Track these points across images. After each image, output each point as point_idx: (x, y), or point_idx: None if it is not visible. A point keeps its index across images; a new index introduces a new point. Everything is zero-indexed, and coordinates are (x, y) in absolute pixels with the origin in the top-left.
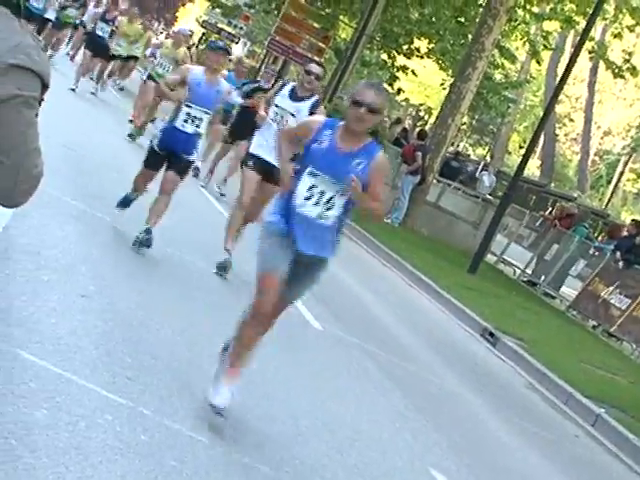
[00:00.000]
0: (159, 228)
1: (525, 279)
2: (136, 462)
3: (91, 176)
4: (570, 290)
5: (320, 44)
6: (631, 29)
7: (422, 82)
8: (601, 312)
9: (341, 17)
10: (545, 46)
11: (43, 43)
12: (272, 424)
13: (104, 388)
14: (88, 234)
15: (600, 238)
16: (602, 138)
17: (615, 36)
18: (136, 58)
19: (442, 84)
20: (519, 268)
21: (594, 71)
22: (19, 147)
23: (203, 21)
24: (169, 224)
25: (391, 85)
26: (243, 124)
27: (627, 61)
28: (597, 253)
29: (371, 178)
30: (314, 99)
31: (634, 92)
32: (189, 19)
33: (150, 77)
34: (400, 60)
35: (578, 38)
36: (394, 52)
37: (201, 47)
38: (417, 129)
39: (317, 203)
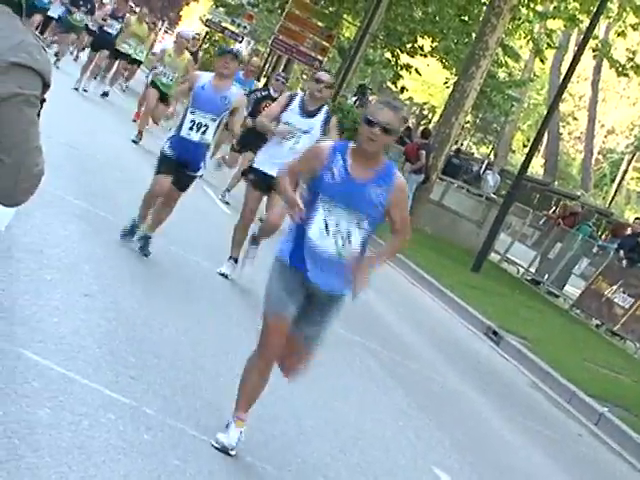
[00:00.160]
0: (165, 226)
1: (529, 278)
2: (139, 461)
3: (94, 175)
4: (573, 289)
5: (324, 43)
6: (635, 27)
7: (426, 81)
8: (604, 311)
9: (345, 16)
10: (549, 44)
11: (49, 41)
12: (275, 423)
13: (107, 387)
14: (91, 233)
15: (604, 237)
16: (606, 137)
17: (619, 34)
18: (140, 62)
19: (446, 83)
20: (522, 267)
21: (598, 70)
22: (20, 146)
23: (207, 20)
24: (173, 223)
25: (395, 84)
26: (252, 133)
27: (631, 59)
28: (600, 252)
29: (393, 205)
30: (325, 111)
31: (638, 91)
32: (193, 18)
33: (153, 84)
34: (404, 59)
35: (582, 36)
36: (398, 51)
37: (204, 46)
38: (421, 128)
39: (334, 238)
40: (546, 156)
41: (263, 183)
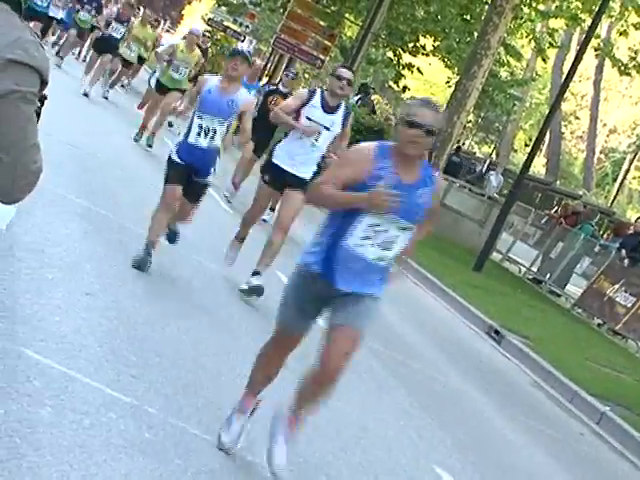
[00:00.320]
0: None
1: (530, 277)
2: (140, 460)
3: (95, 174)
4: (575, 288)
5: (326, 42)
6: (637, 27)
7: (428, 80)
8: (606, 310)
9: (347, 15)
10: (551, 44)
11: (57, 42)
12: None
13: (109, 386)
14: (92, 232)
15: (605, 236)
16: (608, 136)
17: (621, 34)
18: (142, 60)
19: (448, 82)
20: (524, 266)
21: (600, 69)
22: (18, 143)
23: (209, 19)
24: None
25: (397, 83)
26: (259, 130)
27: (633, 59)
28: (602, 251)
29: (433, 201)
30: (344, 108)
31: None
32: (195, 17)
33: (160, 84)
34: (406, 58)
35: (584, 36)
36: (400, 50)
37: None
38: None
39: (377, 244)
40: (548, 155)
41: (279, 180)
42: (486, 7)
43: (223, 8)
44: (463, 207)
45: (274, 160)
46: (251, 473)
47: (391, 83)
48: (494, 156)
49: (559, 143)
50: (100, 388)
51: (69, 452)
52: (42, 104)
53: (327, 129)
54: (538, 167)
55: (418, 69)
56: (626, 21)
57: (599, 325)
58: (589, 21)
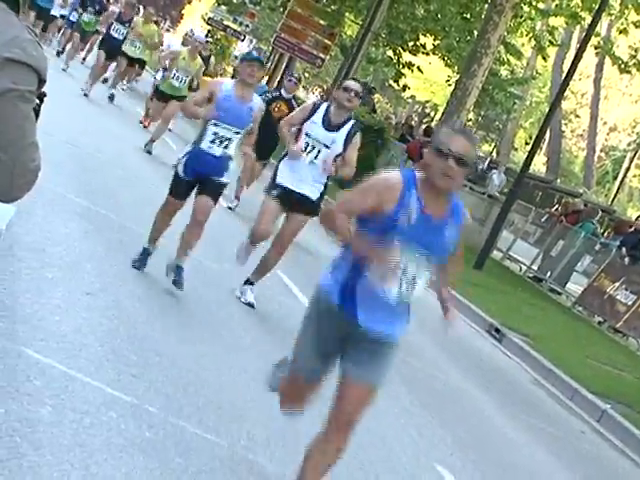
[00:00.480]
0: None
1: (531, 275)
2: (141, 459)
3: (95, 173)
4: (576, 286)
5: (326, 41)
6: (637, 25)
7: (428, 79)
8: (607, 308)
9: (347, 14)
10: (551, 42)
11: (59, 44)
12: (277, 421)
13: (109, 385)
14: (93, 231)
15: (606, 234)
16: (608, 134)
17: (621, 32)
18: (144, 62)
19: (448, 80)
20: (525, 264)
21: (600, 67)
22: (16, 142)
23: (209, 18)
24: (176, 220)
25: (397, 82)
26: (262, 137)
27: (633, 57)
28: (603, 249)
29: (459, 237)
30: (350, 125)
31: None
32: (195, 16)
33: (160, 91)
34: (406, 57)
35: (584, 34)
36: (400, 49)
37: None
38: (423, 126)
39: (399, 283)
40: (548, 154)
41: (287, 199)
42: (486, 6)
43: (223, 7)
44: (463, 205)
45: (278, 181)
46: (251, 472)
47: (391, 82)
48: (494, 154)
49: (559, 141)
50: (100, 387)
51: (69, 451)
52: (41, 102)
53: (326, 147)
54: (538, 165)
55: (418, 68)
56: (626, 19)
57: (600, 323)
58: (589, 19)
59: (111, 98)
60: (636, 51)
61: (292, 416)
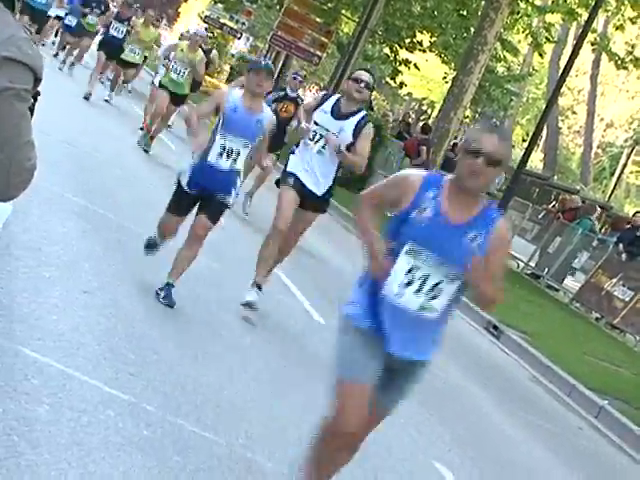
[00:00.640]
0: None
1: (528, 272)
2: (139, 458)
3: (93, 172)
4: (573, 283)
5: (322, 39)
6: (633, 21)
7: (424, 76)
8: (604, 304)
9: (343, 11)
10: (547, 39)
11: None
12: (276, 419)
13: (107, 384)
14: (90, 230)
15: (603, 230)
16: (605, 130)
17: (617, 28)
18: (144, 58)
19: (444, 77)
20: (522, 261)
21: (596, 63)
22: (12, 140)
23: (205, 16)
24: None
25: (394, 79)
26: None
27: (630, 53)
28: (600, 245)
29: (492, 253)
30: (360, 116)
31: (637, 84)
32: (191, 15)
33: (161, 85)
34: (402, 54)
35: (580, 30)
36: (396, 46)
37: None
38: (421, 123)
39: (419, 291)
40: (545, 150)
41: (299, 189)
42: (482, 2)
43: (219, 5)
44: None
45: (289, 169)
46: (250, 471)
47: (388, 79)
48: None
49: (556, 138)
50: (98, 386)
51: (67, 450)
52: (35, 100)
53: (335, 135)
54: (535, 162)
55: (415, 65)
56: (622, 15)
57: (597, 319)
58: (585, 16)
59: (107, 101)
60: (632, 47)
61: (291, 414)
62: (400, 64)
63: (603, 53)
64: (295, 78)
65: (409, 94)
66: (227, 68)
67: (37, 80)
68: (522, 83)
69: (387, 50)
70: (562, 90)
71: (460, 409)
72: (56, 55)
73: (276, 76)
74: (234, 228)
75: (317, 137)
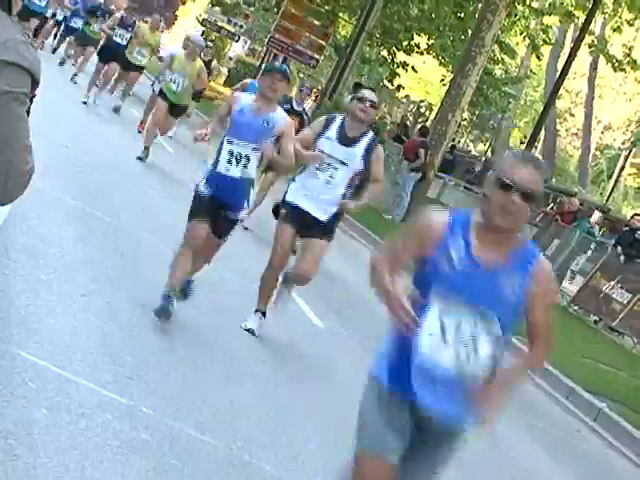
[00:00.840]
0: (162, 228)
1: None
2: (137, 461)
3: (91, 176)
4: (571, 285)
5: (320, 41)
6: (630, 23)
7: (422, 78)
8: (603, 307)
9: (341, 14)
10: (545, 41)
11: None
12: (274, 423)
13: (104, 387)
14: (88, 234)
15: (601, 233)
16: (602, 133)
17: (614, 30)
18: (142, 67)
19: (442, 80)
20: None
21: (594, 66)
22: (10, 143)
23: (203, 19)
24: (172, 223)
25: (391, 82)
26: None
27: (627, 55)
28: (598, 248)
29: (534, 300)
30: (368, 139)
31: (634, 86)
32: (189, 18)
33: (161, 92)
34: (400, 56)
35: (578, 33)
36: (394, 48)
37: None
38: (419, 125)
39: (454, 348)
40: (543, 153)
41: (297, 220)
42: (480, 5)
43: (217, 8)
44: (458, 205)
45: (287, 199)
46: (248, 473)
47: (386, 82)
48: (490, 154)
49: (554, 140)
50: (96, 389)
51: (65, 453)
52: (31, 102)
53: (343, 164)
54: None
55: (413, 67)
56: (619, 17)
57: (595, 322)
58: (583, 18)
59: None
60: (630, 49)
61: (290, 418)
62: (398, 67)
63: (601, 55)
64: (302, 90)
65: (407, 97)
66: (225, 71)
67: (35, 83)
68: (520, 85)
69: (385, 53)
70: (560, 92)
71: None
72: (54, 51)
73: None
74: (235, 231)
75: (324, 166)
